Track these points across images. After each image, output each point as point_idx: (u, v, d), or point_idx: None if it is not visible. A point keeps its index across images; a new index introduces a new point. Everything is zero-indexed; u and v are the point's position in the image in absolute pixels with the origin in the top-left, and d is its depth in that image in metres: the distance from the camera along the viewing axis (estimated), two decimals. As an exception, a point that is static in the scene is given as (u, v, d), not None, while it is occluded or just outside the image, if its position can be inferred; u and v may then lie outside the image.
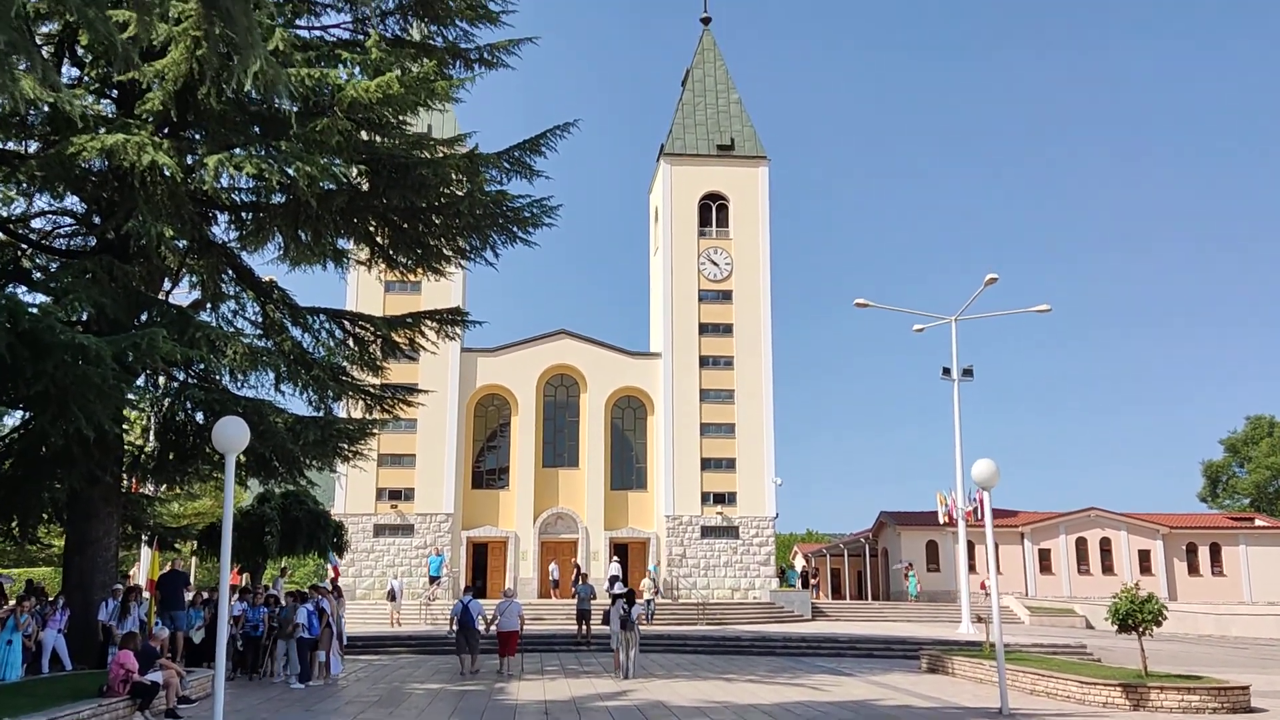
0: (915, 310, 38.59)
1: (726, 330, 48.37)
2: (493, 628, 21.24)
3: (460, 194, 21.13)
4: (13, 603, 17.65)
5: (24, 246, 20.85)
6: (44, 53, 21.14)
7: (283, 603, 21.98)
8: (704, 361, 48.05)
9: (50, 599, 20.07)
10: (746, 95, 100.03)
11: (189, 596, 21.21)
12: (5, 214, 20.39)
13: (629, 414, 49.07)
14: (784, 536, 78.68)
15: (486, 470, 48.26)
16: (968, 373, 36.47)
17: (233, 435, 11.86)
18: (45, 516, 21.24)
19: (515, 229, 22.44)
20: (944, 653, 23.49)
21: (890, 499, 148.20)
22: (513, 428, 47.86)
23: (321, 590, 21.66)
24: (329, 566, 26.44)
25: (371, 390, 23.59)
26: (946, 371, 36.38)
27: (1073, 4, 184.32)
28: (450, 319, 23.18)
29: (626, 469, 48.56)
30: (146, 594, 19.35)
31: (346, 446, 21.85)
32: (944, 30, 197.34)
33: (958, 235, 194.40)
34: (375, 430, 22.82)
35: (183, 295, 24.85)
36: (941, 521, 42.96)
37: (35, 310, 14.82)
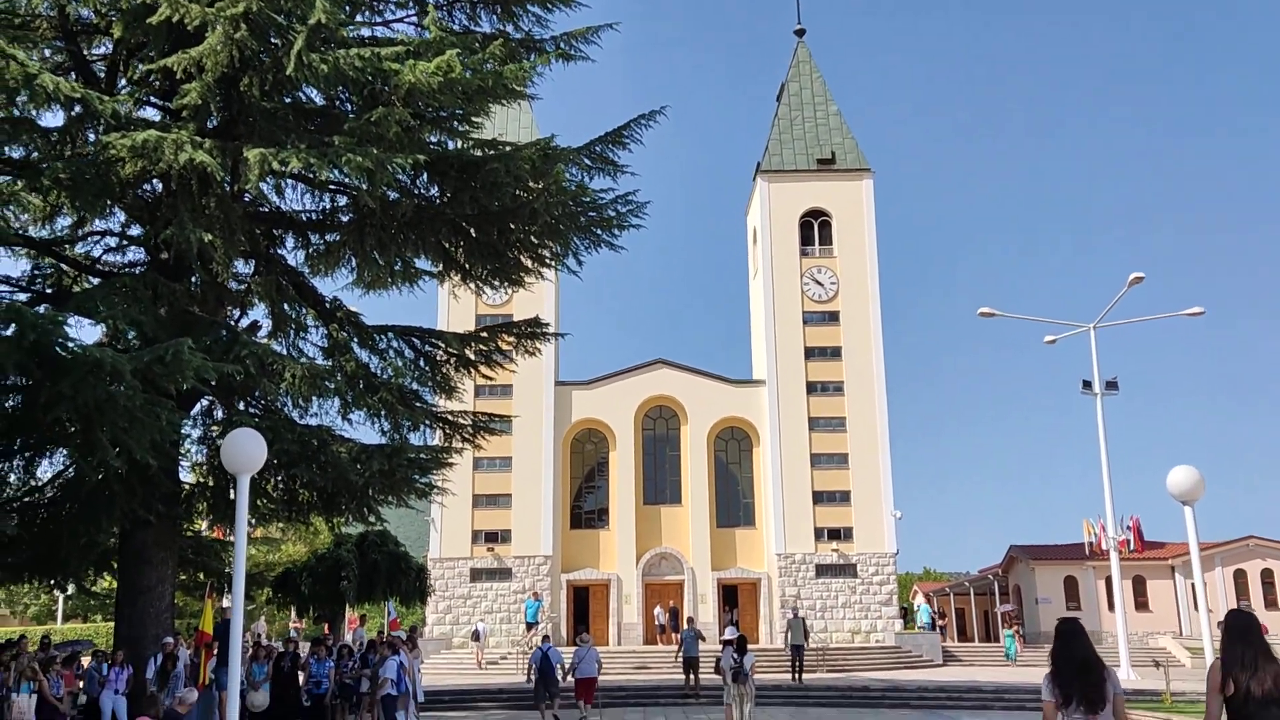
0: (1046, 318, 35.01)
1: (835, 353, 45.23)
2: (570, 676, 19.90)
3: (536, 191, 18.91)
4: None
5: (68, 269, 19.33)
6: (97, 70, 19.87)
7: (355, 654, 19.85)
8: (811, 388, 44.94)
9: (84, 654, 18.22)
10: (846, 106, 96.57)
11: (249, 648, 19.13)
12: (48, 235, 18.88)
13: (733, 446, 46.18)
14: (901, 576, 74.24)
15: (585, 510, 45.84)
16: (1111, 385, 32.73)
17: (245, 452, 9.59)
18: (94, 566, 19.48)
19: (599, 231, 20.14)
20: (1114, 705, 19.94)
21: (1017, 533, 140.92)
22: (611, 464, 45.39)
23: (397, 642, 19.38)
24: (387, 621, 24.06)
25: (448, 417, 21.44)
26: (1087, 385, 32.71)
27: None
28: (529, 332, 20.89)
29: (733, 505, 45.58)
30: (187, 648, 17.30)
31: (419, 478, 19.63)
32: (1050, 20, 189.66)
33: (1088, 234, 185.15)
34: (450, 460, 20.57)
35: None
36: (1089, 553, 38.86)
37: (43, 319, 12.90)
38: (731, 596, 43.95)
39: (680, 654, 27.10)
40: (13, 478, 18.13)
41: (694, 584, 43.43)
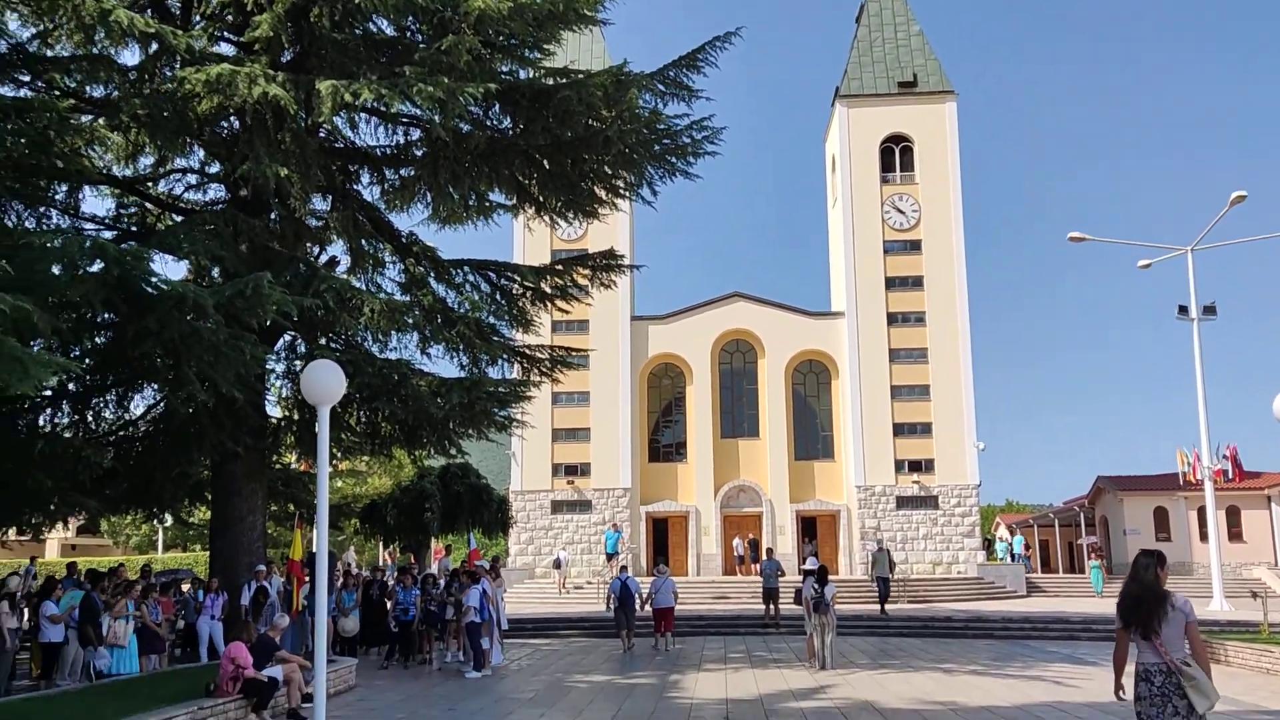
0: (1140, 242, 33.74)
1: (916, 283, 44.28)
2: (648, 606, 20.40)
3: (609, 119, 18.56)
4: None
5: (152, 207, 19.62)
6: (171, 7, 19.91)
7: (439, 583, 20.23)
8: (892, 319, 44.16)
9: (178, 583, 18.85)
10: (928, 26, 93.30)
11: (339, 577, 19.63)
12: (130, 173, 19.16)
13: (811, 379, 45.73)
14: (983, 508, 73.22)
15: (663, 443, 45.96)
16: (1209, 310, 31.47)
17: (323, 384, 9.63)
18: (188, 497, 20.07)
19: (673, 159, 19.73)
20: (1209, 637, 19.44)
21: (1104, 464, 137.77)
22: (688, 397, 45.34)
23: (479, 571, 19.69)
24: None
25: (525, 351, 21.47)
26: (1183, 310, 31.51)
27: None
28: (604, 264, 20.71)
29: (811, 437, 45.27)
30: (280, 576, 17.77)
31: (498, 411, 19.73)
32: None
33: (1181, 153, 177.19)
34: (528, 394, 20.62)
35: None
36: (1182, 483, 37.67)
37: (128, 254, 13.08)
38: (810, 528, 43.89)
39: (764, 585, 27.05)
40: (107, 413, 18.68)
41: (772, 516, 43.42)
